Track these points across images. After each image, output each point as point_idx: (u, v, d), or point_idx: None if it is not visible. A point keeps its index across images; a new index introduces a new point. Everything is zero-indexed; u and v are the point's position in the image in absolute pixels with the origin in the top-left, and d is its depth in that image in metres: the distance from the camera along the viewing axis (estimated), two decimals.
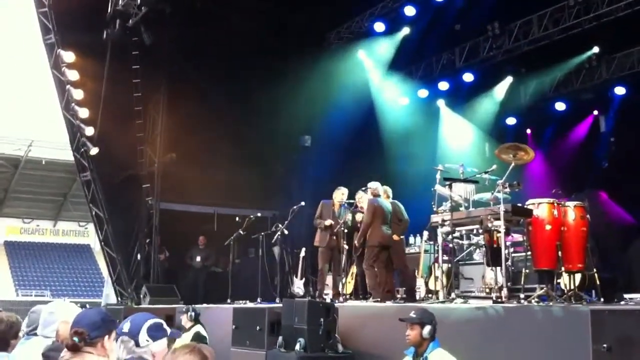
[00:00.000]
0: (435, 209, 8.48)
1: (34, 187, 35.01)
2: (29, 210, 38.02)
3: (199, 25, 13.67)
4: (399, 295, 10.21)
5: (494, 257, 7.50)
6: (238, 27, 14.06)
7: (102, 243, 14.75)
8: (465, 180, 8.50)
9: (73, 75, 13.34)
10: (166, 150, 14.47)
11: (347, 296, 10.57)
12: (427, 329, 5.20)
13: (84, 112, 13.37)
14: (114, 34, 13.09)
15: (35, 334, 4.47)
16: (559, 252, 7.16)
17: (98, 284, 33.92)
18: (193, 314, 9.03)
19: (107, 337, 3.75)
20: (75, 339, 3.64)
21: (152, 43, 13.20)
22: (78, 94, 13.36)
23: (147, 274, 14.15)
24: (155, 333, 3.35)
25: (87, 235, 39.03)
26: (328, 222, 10.63)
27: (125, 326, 3.32)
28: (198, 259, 14.85)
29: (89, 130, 13.39)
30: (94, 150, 13.46)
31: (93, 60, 13.47)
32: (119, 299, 14.53)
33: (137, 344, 3.28)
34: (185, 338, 8.45)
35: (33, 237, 38.76)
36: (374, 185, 10.10)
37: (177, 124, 14.30)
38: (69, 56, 13.28)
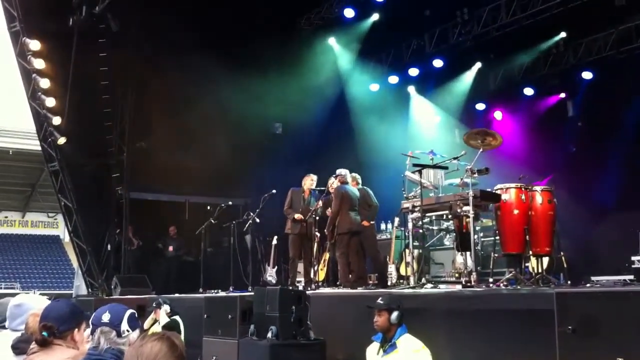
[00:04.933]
0: (405, 195, 8.53)
1: (1, 178, 34.36)
2: None
3: (167, 12, 13.49)
4: (370, 282, 10.28)
5: (463, 242, 7.59)
6: (207, 13, 13.92)
7: (72, 234, 14.58)
8: (435, 166, 8.56)
9: (39, 63, 13.10)
10: (135, 139, 14.32)
11: (320, 283, 10.61)
12: (394, 314, 5.23)
13: (50, 101, 13.16)
14: (80, 21, 12.89)
15: (4, 327, 4.42)
16: (527, 236, 7.27)
17: (68, 275, 33.53)
18: (168, 307, 8.85)
19: (76, 329, 3.72)
20: (45, 333, 3.61)
21: (120, 30, 13.03)
22: (44, 82, 13.13)
23: (118, 265, 14.04)
24: (134, 323, 3.35)
25: (57, 226, 38.53)
26: (297, 215, 10.61)
27: (105, 316, 3.29)
28: (170, 248, 14.81)
29: (56, 120, 13.19)
30: (62, 140, 13.26)
31: (59, 48, 13.22)
32: (90, 290, 14.40)
33: (119, 334, 3.27)
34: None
35: (1, 229, 38.10)
36: (341, 172, 10.12)
37: (146, 113, 14.16)
38: (34, 44, 13.03)
